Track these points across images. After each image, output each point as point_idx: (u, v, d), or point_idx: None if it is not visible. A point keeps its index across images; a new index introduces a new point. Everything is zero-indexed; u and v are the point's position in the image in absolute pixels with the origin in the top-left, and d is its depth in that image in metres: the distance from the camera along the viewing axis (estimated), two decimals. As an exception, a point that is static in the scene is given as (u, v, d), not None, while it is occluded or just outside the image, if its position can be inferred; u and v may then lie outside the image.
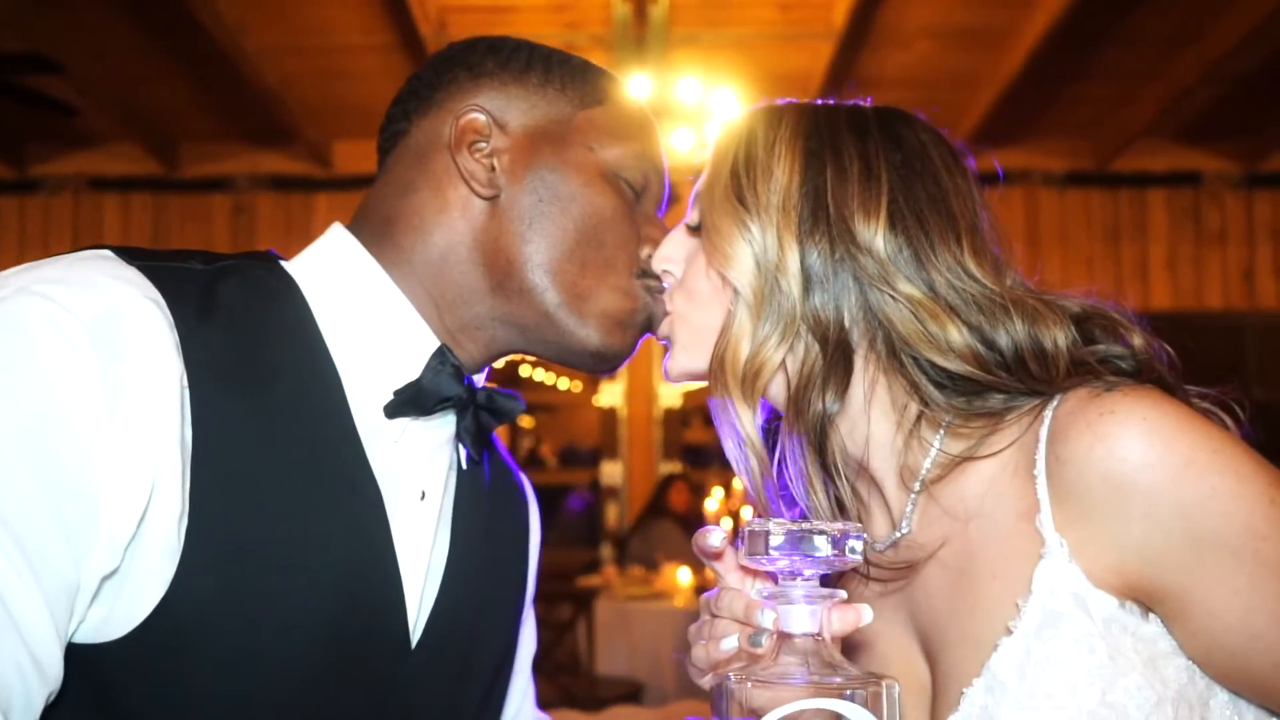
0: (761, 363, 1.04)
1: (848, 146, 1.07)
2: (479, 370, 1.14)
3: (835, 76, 5.79)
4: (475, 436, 1.11)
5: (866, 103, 1.15)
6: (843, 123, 1.10)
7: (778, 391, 1.07)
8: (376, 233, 1.11)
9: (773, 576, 0.86)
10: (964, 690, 0.98)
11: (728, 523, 6.80)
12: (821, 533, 0.82)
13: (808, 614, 0.82)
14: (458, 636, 1.09)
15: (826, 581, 0.85)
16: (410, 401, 1.05)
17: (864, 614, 0.85)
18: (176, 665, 0.89)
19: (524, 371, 11.46)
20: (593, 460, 9.09)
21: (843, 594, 0.85)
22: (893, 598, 1.09)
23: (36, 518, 0.82)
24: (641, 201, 1.16)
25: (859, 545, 0.82)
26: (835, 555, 0.82)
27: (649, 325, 1.15)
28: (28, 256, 7.45)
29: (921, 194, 1.06)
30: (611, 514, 8.39)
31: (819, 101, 1.14)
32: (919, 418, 1.04)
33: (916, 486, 1.05)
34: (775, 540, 0.81)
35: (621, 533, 7.81)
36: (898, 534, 1.07)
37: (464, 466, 1.13)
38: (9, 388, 0.83)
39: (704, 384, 1.12)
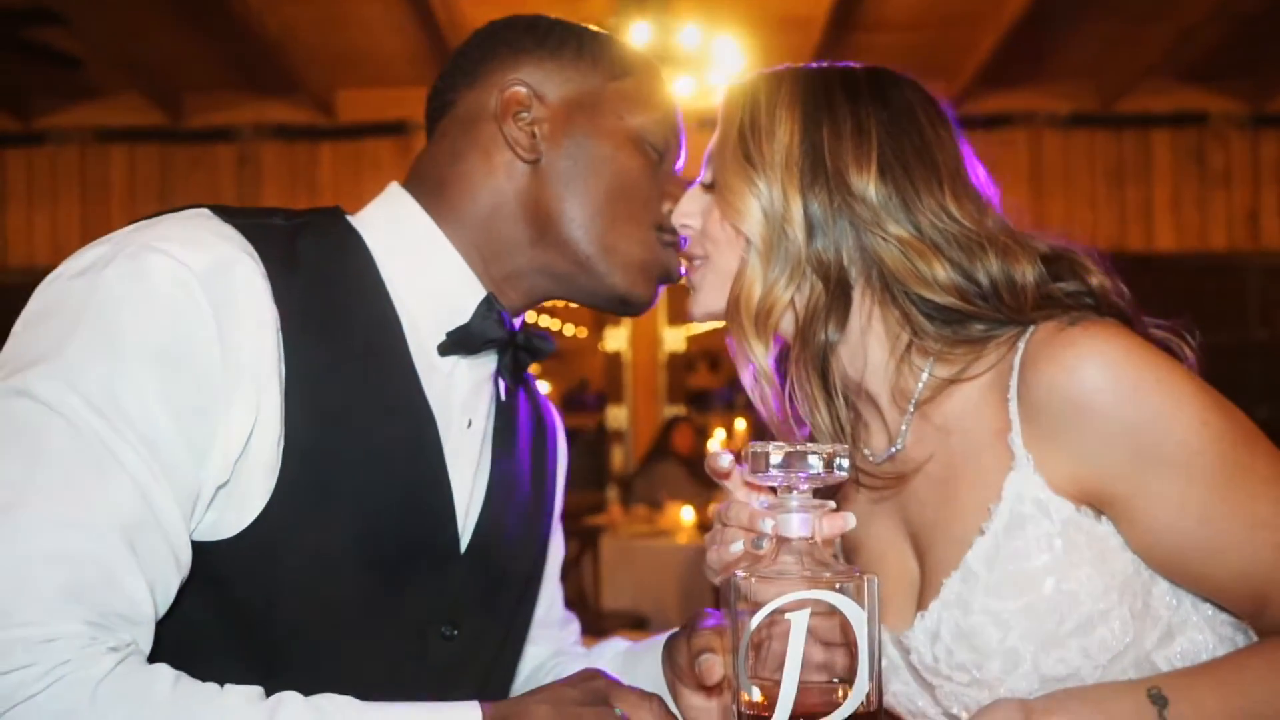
0: (773, 302, 1.18)
1: (841, 107, 1.20)
2: (518, 315, 1.29)
3: (838, 20, 5.74)
4: (513, 372, 1.28)
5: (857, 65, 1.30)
6: (836, 85, 1.23)
7: (787, 327, 1.21)
8: (431, 193, 1.25)
9: (773, 490, 0.98)
10: (944, 580, 1.15)
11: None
12: (813, 453, 0.95)
13: (801, 521, 0.95)
14: (498, 543, 1.26)
15: (821, 494, 0.98)
16: (460, 342, 1.21)
17: (848, 520, 0.99)
18: (274, 562, 1.06)
19: (529, 317, 11.51)
20: (598, 404, 9.19)
21: (832, 504, 0.98)
22: (888, 504, 1.25)
23: (168, 433, 0.99)
24: (663, 162, 1.30)
25: (845, 463, 0.96)
26: (825, 472, 0.95)
27: (669, 274, 1.30)
28: (36, 209, 7.52)
29: (908, 146, 1.19)
30: (617, 456, 8.51)
31: (814, 65, 1.27)
32: (910, 345, 1.18)
33: (910, 407, 1.20)
34: (774, 460, 0.94)
35: (627, 474, 7.93)
36: (894, 449, 1.23)
37: (502, 399, 1.29)
38: (142, 327, 0.99)
39: (722, 323, 1.27)
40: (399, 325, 1.18)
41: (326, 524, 1.09)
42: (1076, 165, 7.48)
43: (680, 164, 1.35)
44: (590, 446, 8.98)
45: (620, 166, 1.25)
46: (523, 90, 1.24)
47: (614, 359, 8.51)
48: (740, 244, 1.21)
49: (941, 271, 1.15)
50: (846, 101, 1.21)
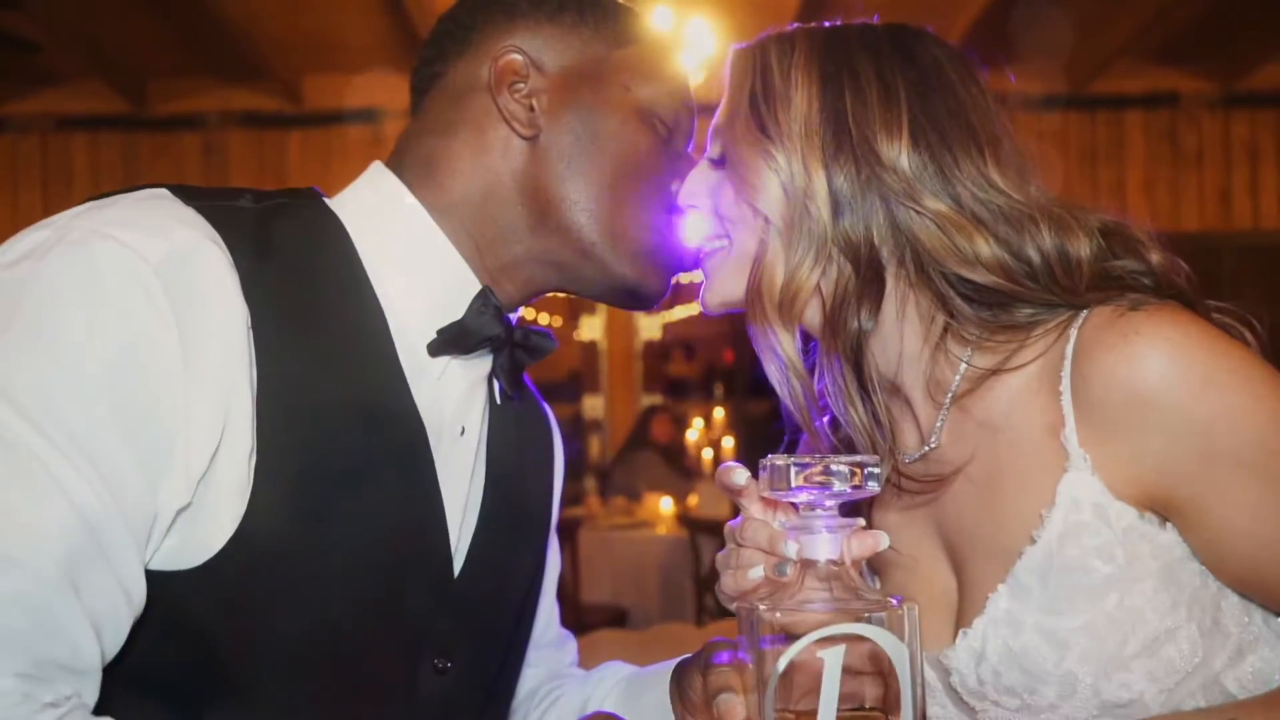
0: (797, 287, 1.07)
1: (863, 67, 1.09)
2: (516, 309, 1.18)
3: (811, 2, 5.70)
4: (511, 374, 1.16)
5: (874, 20, 1.17)
6: (855, 44, 1.12)
7: (813, 315, 1.10)
8: (418, 173, 1.13)
9: (793, 507, 0.91)
10: (989, 595, 1.04)
11: (709, 453, 6.88)
12: (840, 465, 0.86)
13: (829, 542, 0.87)
14: (494, 563, 1.14)
15: (846, 507, 0.90)
16: (453, 341, 1.09)
17: (881, 540, 0.89)
18: (246, 593, 0.94)
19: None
20: (574, 394, 9.14)
21: (861, 521, 0.89)
22: (921, 510, 1.14)
23: (117, 449, 0.86)
24: (673, 139, 1.19)
25: (876, 475, 0.87)
26: (853, 487, 0.86)
27: (684, 262, 1.19)
28: (-3, 198, 7.37)
29: (940, 109, 1.08)
30: (595, 447, 8.45)
31: (826, 24, 1.16)
32: (945, 331, 1.08)
33: (946, 401, 1.10)
34: (795, 474, 0.86)
35: (604, 465, 7.89)
36: (927, 447, 1.12)
37: (498, 402, 1.19)
38: (88, 330, 0.86)
39: (739, 311, 1.17)
40: (384, 322, 1.06)
41: (305, 549, 0.96)
42: (1049, 148, 7.46)
43: (692, 143, 1.24)
44: (566, 437, 8.92)
45: (627, 143, 1.13)
46: (519, 59, 1.12)
47: (590, 348, 8.45)
48: (757, 224, 1.10)
49: (985, 248, 1.04)
50: (869, 61, 1.09)
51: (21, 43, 5.34)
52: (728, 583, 1.04)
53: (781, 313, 1.08)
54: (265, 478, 0.93)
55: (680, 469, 7.03)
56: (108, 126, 7.34)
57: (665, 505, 6.10)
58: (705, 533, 5.19)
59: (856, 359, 1.07)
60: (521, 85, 1.12)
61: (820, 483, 0.86)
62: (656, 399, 8.24)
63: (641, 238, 1.14)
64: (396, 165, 1.15)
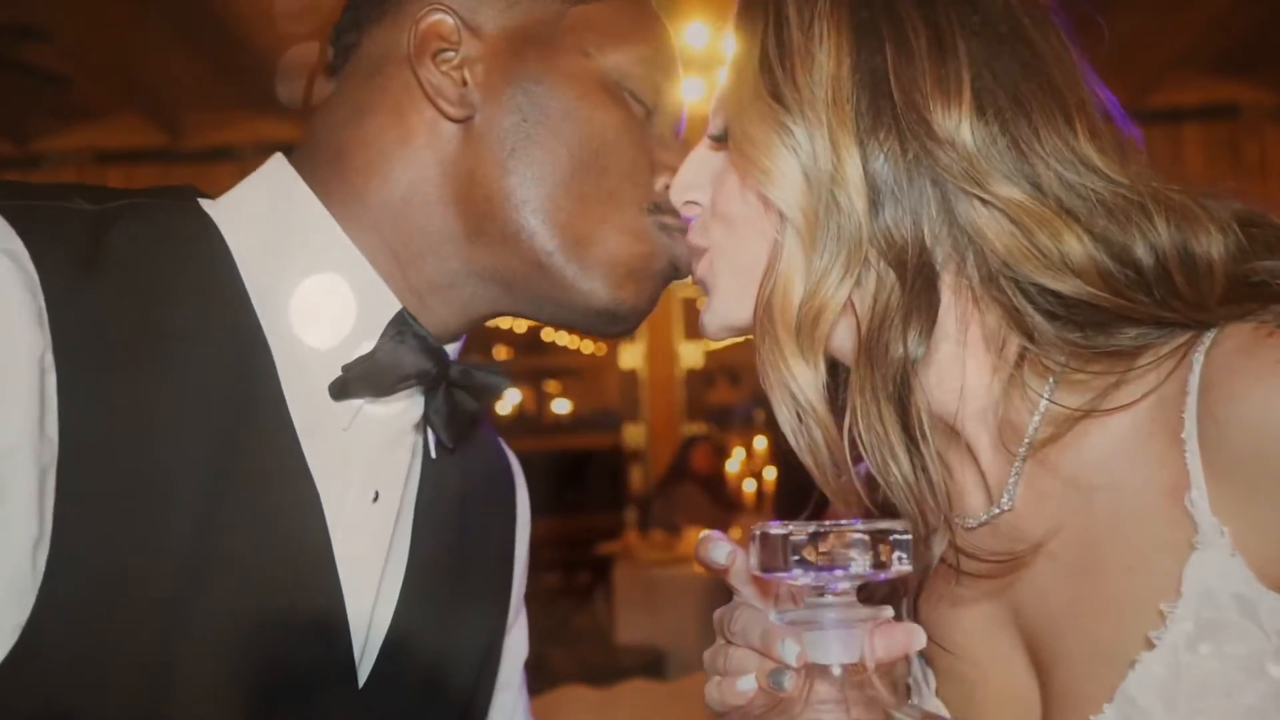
0: (821, 304, 0.82)
1: (908, 12, 0.84)
2: (455, 339, 0.95)
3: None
4: (450, 420, 0.92)
5: None
6: None
7: (843, 340, 0.85)
8: (323, 167, 0.91)
9: (797, 592, 0.71)
10: (1092, 717, 0.79)
11: (751, 484, 6.68)
12: (858, 535, 0.66)
13: (842, 642, 0.66)
14: (418, 665, 0.91)
15: (881, 593, 0.70)
16: (363, 380, 0.86)
17: (915, 637, 0.69)
18: None
19: (546, 335, 11.36)
20: (616, 423, 8.99)
21: (887, 611, 0.68)
22: (989, 593, 0.88)
23: None
24: (654, 120, 0.96)
25: (907, 547, 0.66)
26: (875, 568, 0.65)
27: (670, 273, 0.95)
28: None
29: (1013, 64, 0.83)
30: (636, 478, 8.30)
31: None
32: (1021, 359, 0.83)
33: (1021, 451, 0.85)
34: (795, 549, 0.65)
35: (647, 496, 7.73)
36: (995, 509, 0.86)
37: (433, 455, 0.96)
38: None
39: (743, 338, 0.92)
40: (268, 356, 0.84)
41: (127, 668, 0.74)
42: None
43: (683, 125, 1.00)
44: (607, 467, 8.77)
45: (587, 123, 0.90)
46: (447, 20, 0.89)
47: (629, 376, 8.31)
48: (771, 221, 0.85)
49: (1076, 247, 0.79)
50: (916, 4, 0.83)
51: (51, 76, 5.34)
52: (711, 695, 0.79)
53: (800, 337, 0.83)
54: (63, 572, 0.71)
55: (722, 501, 6.85)
56: (143, 160, 7.38)
57: (706, 540, 5.90)
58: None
59: (901, 397, 0.82)
60: (451, 53, 0.89)
61: (829, 560, 0.64)
62: (699, 427, 8.07)
63: (610, 245, 0.90)
64: (301, 158, 0.93)
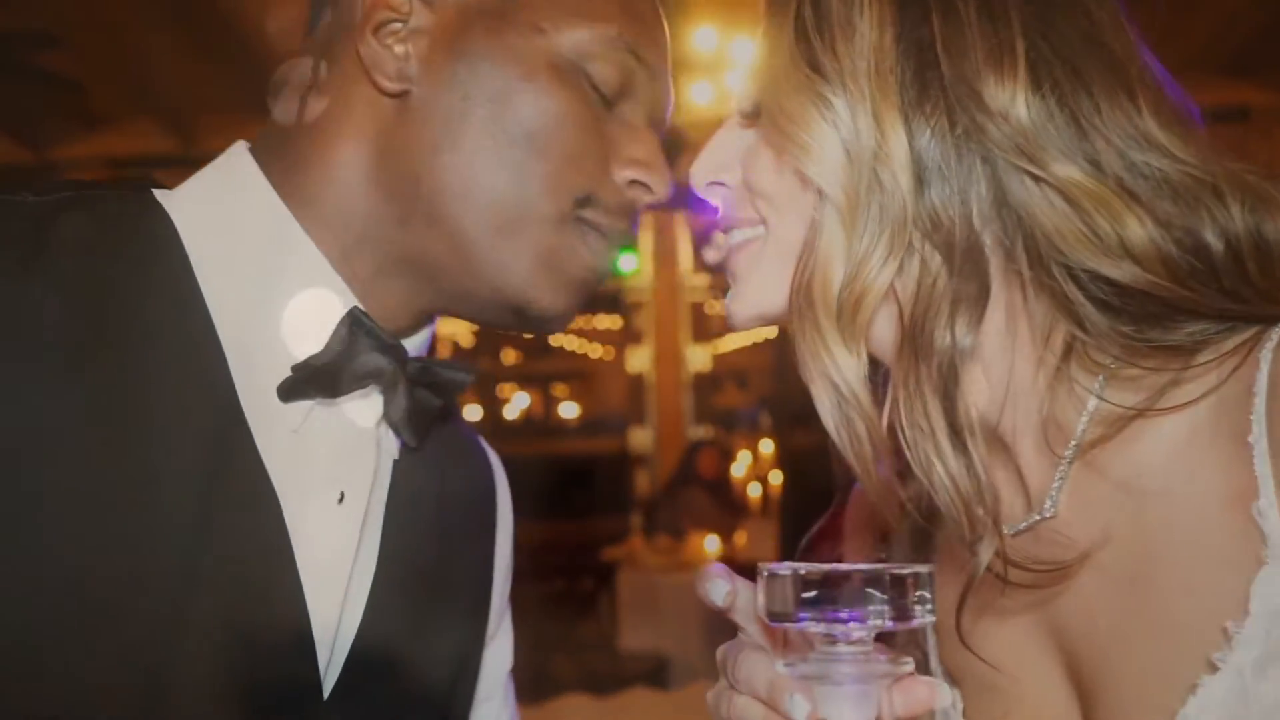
0: (863, 288, 0.77)
1: None
2: (411, 334, 0.90)
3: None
4: (412, 419, 0.88)
5: None
6: None
7: (884, 328, 0.79)
8: (276, 151, 0.87)
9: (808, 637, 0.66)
10: None
11: (757, 488, 6.66)
12: (875, 580, 0.60)
13: (857, 699, 0.61)
14: (388, 674, 0.88)
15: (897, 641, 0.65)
16: (313, 380, 0.82)
17: (939, 694, 0.64)
18: None
19: (555, 340, 11.36)
20: (622, 427, 8.98)
21: (908, 665, 0.63)
22: (1025, 606, 0.81)
23: None
24: (619, 106, 0.89)
25: (928, 601, 0.60)
26: (896, 615, 0.60)
27: (589, 276, 0.89)
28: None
29: (1071, 33, 0.77)
30: (642, 482, 8.28)
31: None
32: (1068, 353, 0.77)
33: (1068, 453, 0.79)
34: (805, 592, 0.60)
35: (653, 500, 7.71)
36: (1036, 516, 0.80)
37: (396, 455, 0.92)
38: None
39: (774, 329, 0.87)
40: (219, 354, 0.80)
41: (59, 691, 0.70)
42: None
43: (667, 115, 0.93)
44: (611, 472, 8.75)
45: (531, 105, 0.83)
46: None
47: (636, 380, 8.31)
48: (808, 201, 0.79)
49: (1138, 231, 0.73)
50: None
51: (65, 82, 5.36)
52: None
53: (841, 323, 0.77)
54: (1, 581, 0.69)
55: (728, 506, 6.82)
56: (158, 165, 7.38)
57: (710, 545, 5.89)
58: (751, 578, 4.97)
59: (948, 390, 0.76)
60: (398, 24, 0.85)
61: (843, 606, 0.59)
62: (706, 431, 8.06)
63: (537, 238, 0.85)
64: (260, 144, 0.88)
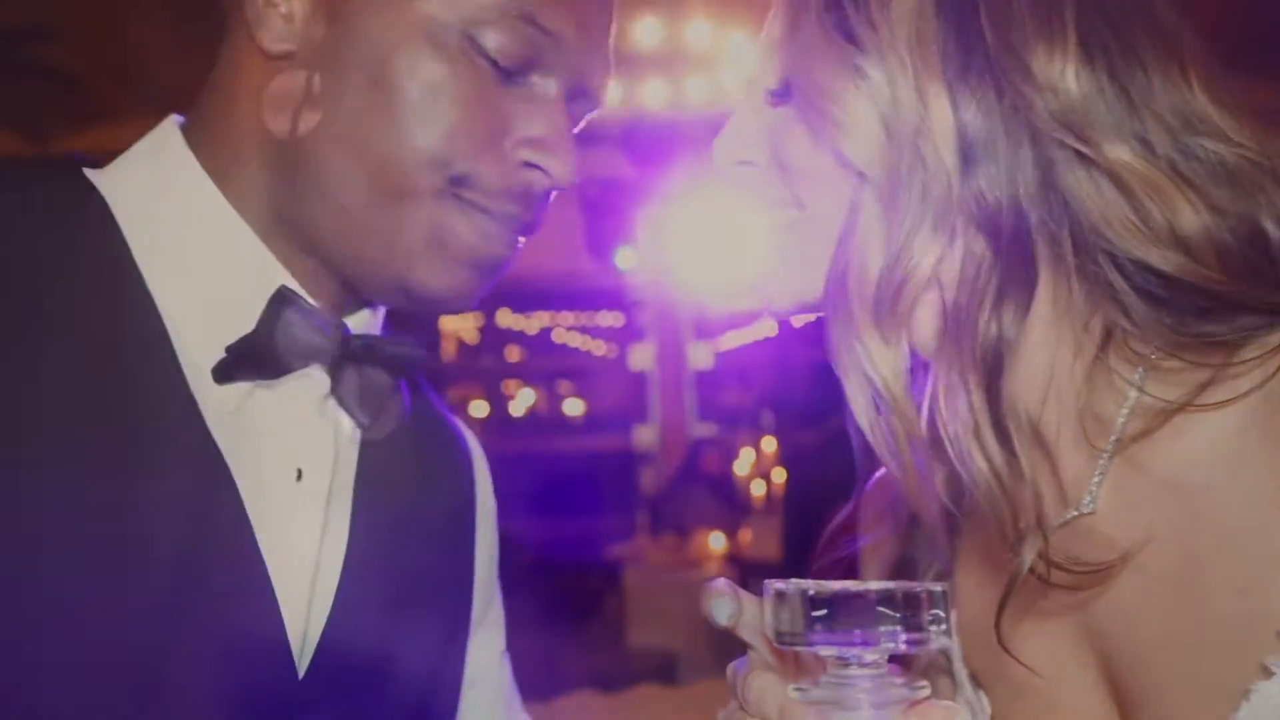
0: (903, 276, 0.72)
1: None
2: (353, 311, 0.88)
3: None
4: (363, 398, 0.85)
5: None
6: None
7: (923, 318, 0.75)
8: (195, 121, 0.85)
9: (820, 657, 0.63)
10: None
11: (760, 486, 6.65)
12: (887, 600, 0.58)
13: None
14: (367, 653, 0.86)
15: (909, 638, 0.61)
16: (247, 361, 0.80)
17: (956, 718, 0.62)
18: None
19: (558, 337, 11.35)
20: (624, 425, 8.97)
21: (924, 688, 0.61)
22: (1064, 602, 0.77)
23: None
24: (526, 79, 0.82)
25: (944, 621, 0.58)
26: (911, 637, 0.58)
27: (491, 262, 0.84)
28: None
29: (1122, 2, 0.74)
30: (646, 479, 8.28)
31: None
32: (1107, 342, 0.74)
33: (1109, 446, 0.75)
34: (815, 612, 0.58)
35: (658, 498, 7.72)
36: (1074, 512, 0.76)
37: (349, 435, 0.89)
38: None
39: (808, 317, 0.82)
40: (163, 333, 0.78)
41: (25, 665, 0.69)
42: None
43: (592, 83, 0.86)
44: (616, 469, 8.75)
45: (404, 74, 0.78)
46: None
47: (639, 378, 8.31)
48: (844, 182, 0.75)
49: (1190, 218, 0.70)
50: None
51: (66, 77, 5.37)
52: None
53: (879, 313, 0.73)
54: None
55: (731, 503, 6.82)
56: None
57: (716, 542, 5.89)
58: (756, 575, 4.98)
59: (992, 382, 0.72)
60: None
61: (856, 627, 0.56)
62: (710, 428, 8.06)
63: (416, 214, 0.80)
64: (191, 115, 0.86)
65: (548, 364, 12.34)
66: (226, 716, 0.76)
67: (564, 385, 12.83)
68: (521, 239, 0.86)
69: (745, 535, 6.01)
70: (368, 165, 0.79)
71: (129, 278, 0.79)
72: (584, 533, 6.89)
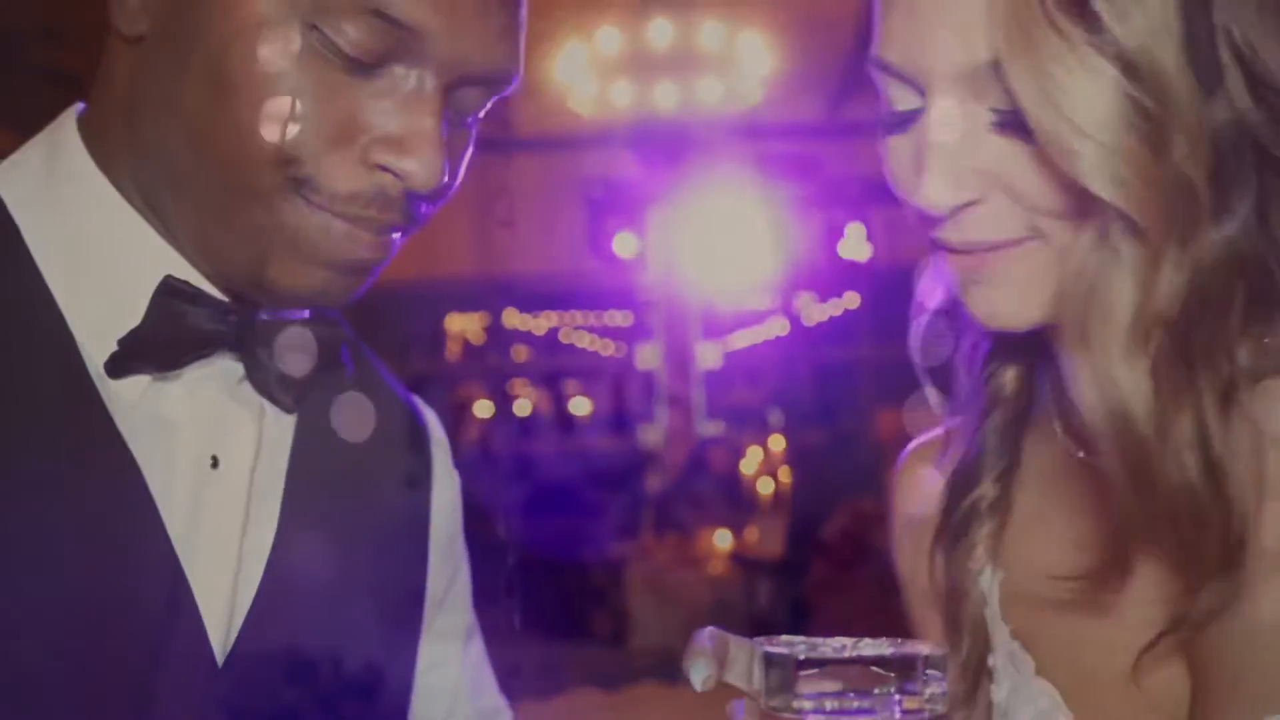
0: (1155, 311, 0.66)
1: None
2: (275, 306, 0.83)
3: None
4: (280, 382, 0.82)
5: None
6: None
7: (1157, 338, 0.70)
8: (87, 108, 0.83)
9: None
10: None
11: (767, 485, 6.65)
12: (882, 663, 0.55)
13: None
14: (296, 642, 0.83)
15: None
16: (140, 354, 0.77)
17: None
18: None
19: (565, 336, 11.36)
20: (632, 424, 8.99)
21: None
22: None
23: None
24: (388, 71, 0.74)
25: (943, 675, 0.56)
26: (905, 707, 0.55)
27: (356, 265, 0.79)
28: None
29: None
30: (652, 478, 8.30)
31: None
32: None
33: None
34: (803, 678, 0.55)
35: (663, 496, 7.73)
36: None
37: (269, 416, 0.85)
38: None
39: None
40: (64, 326, 0.76)
41: None
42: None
43: (476, 73, 0.77)
44: (622, 469, 8.78)
45: (237, 68, 0.72)
46: None
47: (646, 376, 8.32)
48: (1093, 209, 0.67)
49: None
50: None
51: (71, 78, 5.38)
52: None
53: (1128, 345, 0.66)
54: None
55: (737, 502, 6.84)
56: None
57: (721, 540, 5.91)
58: (760, 573, 5.00)
59: (1227, 413, 0.67)
60: None
61: (850, 689, 0.54)
62: (718, 426, 8.07)
63: (258, 214, 0.75)
64: (89, 103, 0.84)
65: (554, 364, 12.35)
66: (144, 706, 0.75)
67: (571, 385, 12.85)
68: (396, 234, 0.80)
69: (751, 534, 6.02)
70: (211, 162, 0.75)
71: (25, 271, 0.77)
72: (588, 531, 6.90)
